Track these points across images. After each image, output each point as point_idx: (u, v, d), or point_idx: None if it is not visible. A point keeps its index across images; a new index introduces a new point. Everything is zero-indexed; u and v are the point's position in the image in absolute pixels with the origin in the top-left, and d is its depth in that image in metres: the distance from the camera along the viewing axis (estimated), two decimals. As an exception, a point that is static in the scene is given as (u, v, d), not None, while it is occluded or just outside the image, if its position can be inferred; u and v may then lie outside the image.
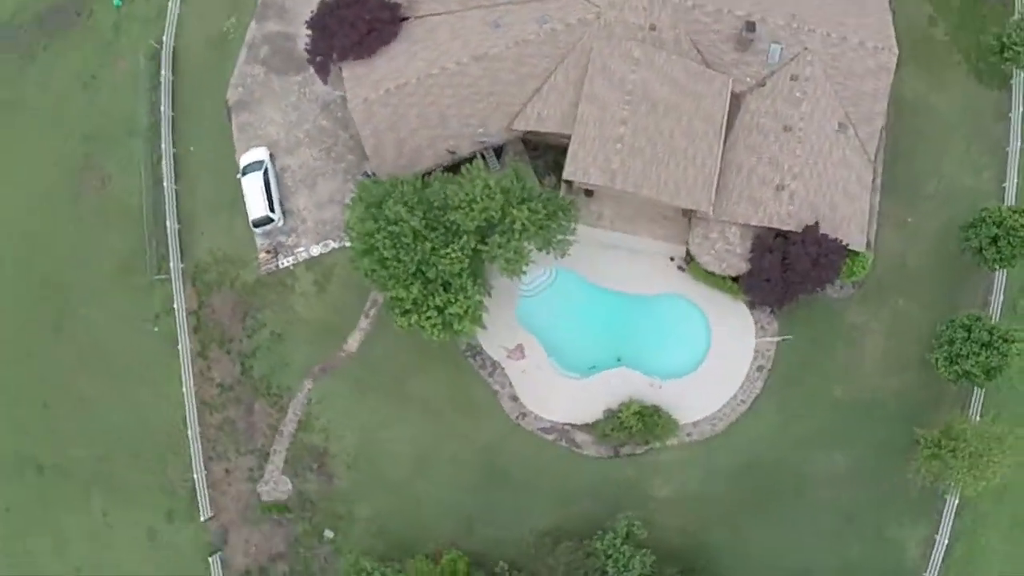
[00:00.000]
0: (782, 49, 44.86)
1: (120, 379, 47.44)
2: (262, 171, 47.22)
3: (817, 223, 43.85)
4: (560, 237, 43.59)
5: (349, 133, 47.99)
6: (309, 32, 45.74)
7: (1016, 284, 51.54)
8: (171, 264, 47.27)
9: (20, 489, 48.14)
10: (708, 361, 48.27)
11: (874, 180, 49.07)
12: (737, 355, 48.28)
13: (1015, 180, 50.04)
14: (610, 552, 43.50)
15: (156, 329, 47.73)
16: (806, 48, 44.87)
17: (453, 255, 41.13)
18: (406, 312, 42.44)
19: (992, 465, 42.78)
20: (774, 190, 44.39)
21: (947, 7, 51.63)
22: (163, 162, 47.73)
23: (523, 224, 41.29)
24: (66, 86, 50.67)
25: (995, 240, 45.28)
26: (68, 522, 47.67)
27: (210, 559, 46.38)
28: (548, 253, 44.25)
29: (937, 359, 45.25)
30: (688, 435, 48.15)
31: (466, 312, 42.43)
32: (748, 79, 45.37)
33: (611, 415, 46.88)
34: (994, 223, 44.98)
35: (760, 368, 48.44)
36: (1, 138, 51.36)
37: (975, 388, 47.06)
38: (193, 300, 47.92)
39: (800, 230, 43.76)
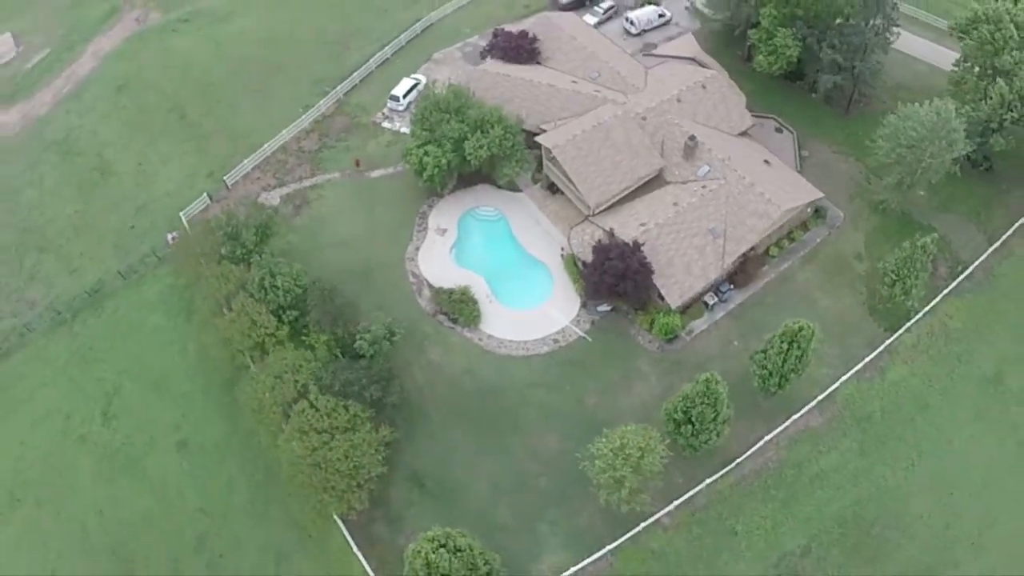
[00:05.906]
0: (708, 171, 64.59)
1: (261, 112, 77.83)
2: (415, 82, 78.40)
3: (644, 245, 59.97)
4: (506, 171, 66.57)
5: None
6: (489, 41, 78.04)
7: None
8: (337, 89, 78.93)
9: (158, 118, 79.00)
10: (531, 311, 63.65)
11: (727, 299, 62.98)
12: (548, 322, 63.03)
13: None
14: (368, 327, 59.32)
15: (300, 109, 78.41)
16: (725, 178, 63.95)
17: (454, 125, 66.31)
18: (411, 145, 67.90)
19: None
20: (638, 224, 62.13)
21: (877, 255, 64.62)
22: (379, 53, 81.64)
23: (493, 139, 65.27)
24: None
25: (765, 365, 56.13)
26: (162, 143, 77.09)
27: (205, 194, 71.94)
28: (496, 177, 67.24)
29: (668, 412, 55.42)
30: (479, 340, 62.62)
31: (434, 161, 66.13)
32: (677, 173, 65.48)
33: (451, 290, 64.28)
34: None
35: (555, 341, 62.19)
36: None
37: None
38: (330, 110, 78.29)
39: (631, 244, 60.19)
